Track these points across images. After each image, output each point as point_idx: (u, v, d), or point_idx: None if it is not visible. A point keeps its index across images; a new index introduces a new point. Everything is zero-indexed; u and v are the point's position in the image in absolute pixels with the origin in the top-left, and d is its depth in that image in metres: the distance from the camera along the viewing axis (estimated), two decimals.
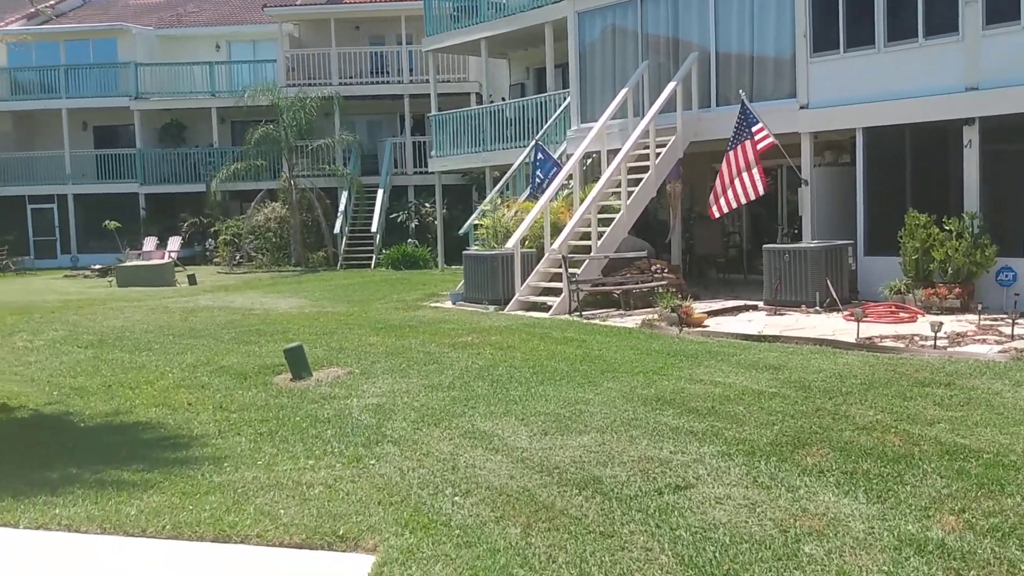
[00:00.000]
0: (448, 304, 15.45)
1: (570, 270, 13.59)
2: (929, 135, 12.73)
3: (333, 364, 9.66)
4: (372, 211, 27.93)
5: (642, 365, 8.92)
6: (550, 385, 8.13)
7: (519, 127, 20.31)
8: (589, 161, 17.08)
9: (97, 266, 26.54)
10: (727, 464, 5.59)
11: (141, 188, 31.45)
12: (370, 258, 26.89)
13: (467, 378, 8.58)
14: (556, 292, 14.00)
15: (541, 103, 19.79)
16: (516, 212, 16.41)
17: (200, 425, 7.36)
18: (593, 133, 15.53)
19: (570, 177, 15.69)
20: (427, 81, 28.93)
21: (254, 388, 8.69)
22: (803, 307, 12.35)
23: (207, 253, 29.84)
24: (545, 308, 13.83)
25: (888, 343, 9.60)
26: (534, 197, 16.32)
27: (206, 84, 31.56)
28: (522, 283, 14.38)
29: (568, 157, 17.57)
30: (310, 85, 29.06)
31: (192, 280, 22.56)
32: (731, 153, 13.57)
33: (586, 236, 14.67)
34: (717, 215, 14.00)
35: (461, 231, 18.40)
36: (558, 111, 18.59)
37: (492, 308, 14.27)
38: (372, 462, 5.96)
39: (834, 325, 11.08)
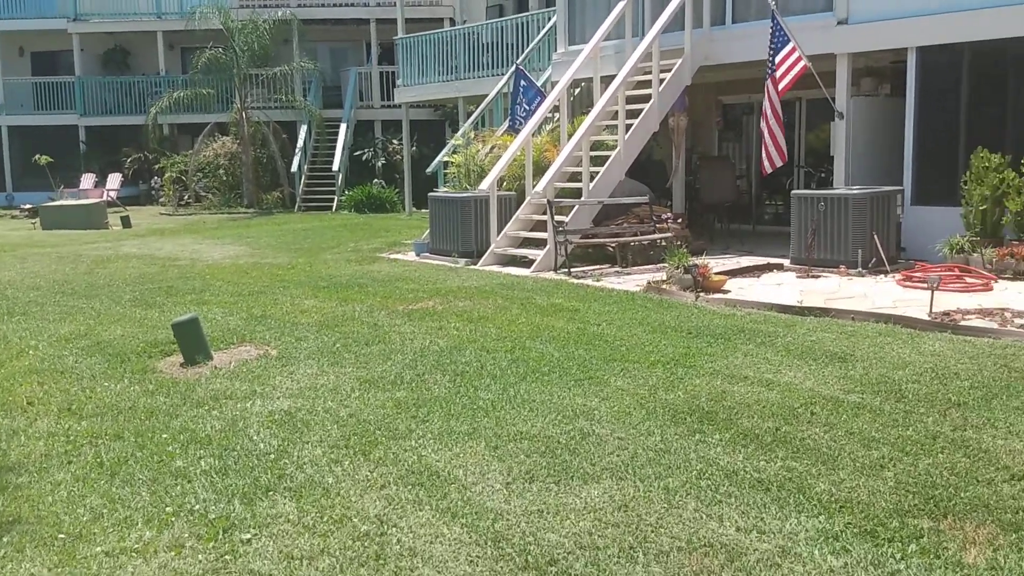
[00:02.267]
0: (411, 256, 13.08)
1: (556, 218, 11.23)
2: (1002, 56, 10.37)
3: (246, 340, 7.30)
4: (334, 148, 25.27)
5: (658, 350, 6.62)
6: (536, 382, 5.83)
7: (497, 52, 17.74)
8: (578, 90, 14.59)
9: (27, 205, 23.76)
10: (841, 561, 3.32)
11: (81, 120, 28.50)
12: (331, 200, 24.33)
13: (420, 368, 6.25)
14: (539, 244, 11.67)
15: (522, 24, 17.19)
16: (492, 148, 13.97)
17: (25, 442, 5.01)
18: (584, 56, 13.01)
19: (556, 108, 13.23)
20: (396, 5, 26.25)
21: (127, 378, 6.32)
22: (842, 268, 10.07)
23: (152, 192, 27.11)
24: (526, 263, 11.51)
25: (974, 321, 7.36)
26: (514, 131, 13.88)
27: (151, 5, 28.46)
28: (499, 232, 12.02)
29: (553, 85, 15.08)
30: (265, 7, 26.09)
31: (126, 222, 19.97)
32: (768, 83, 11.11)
33: (575, 178, 12.25)
34: (770, 169, 11.42)
35: (428, 170, 15.92)
36: (542, 33, 16.02)
37: (462, 262, 11.92)
38: (246, 539, 3.64)
39: (890, 293, 8.81)
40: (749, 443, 4.57)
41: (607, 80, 12.94)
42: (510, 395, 5.54)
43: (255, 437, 4.92)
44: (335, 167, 24.52)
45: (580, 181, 12.09)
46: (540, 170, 12.41)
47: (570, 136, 12.53)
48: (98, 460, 4.66)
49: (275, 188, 25.15)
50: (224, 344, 7.17)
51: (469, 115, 17.84)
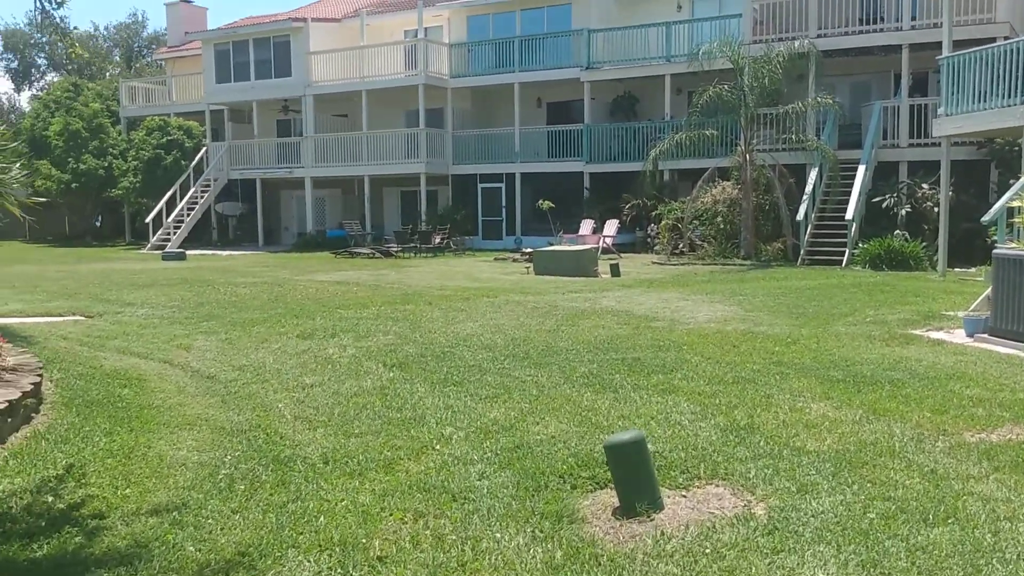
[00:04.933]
0: (959, 336, 9.46)
1: None
2: None
3: (718, 475, 4.71)
4: (848, 194, 21.77)
5: None
6: None
7: None
8: None
9: (527, 249, 24.09)
10: None
11: (586, 167, 28.66)
12: (841, 253, 20.87)
13: None
14: None
15: None
16: None
17: None
18: None
19: None
20: (933, 26, 22.06)
21: (531, 528, 4.10)
22: None
23: (648, 239, 26.04)
24: None
25: None
26: None
27: (661, 49, 27.68)
28: None
29: None
30: (781, 40, 23.59)
31: (615, 270, 18.77)
32: None
33: None
34: None
35: (986, 218, 11.93)
36: None
37: None
38: None
39: None
40: None
41: None
42: None
43: None
44: (848, 215, 21.02)
45: None
46: None
47: None
48: None
49: (777, 238, 22.41)
50: (684, 477, 4.67)
51: None
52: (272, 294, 14.34)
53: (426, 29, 31.41)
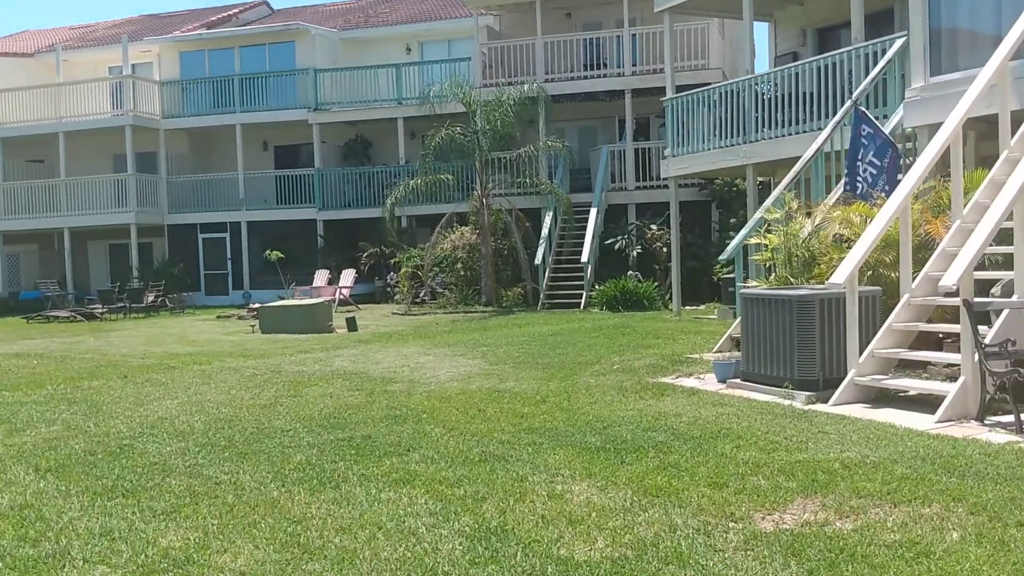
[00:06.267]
0: (711, 382, 8.93)
1: (980, 331, 6.73)
2: None
3: None
4: (582, 237, 21.79)
5: None
6: None
7: (802, 106, 13.53)
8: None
9: (255, 305, 21.99)
10: None
11: (319, 214, 27.02)
12: (578, 296, 20.73)
13: None
14: (920, 367, 7.22)
15: (835, 64, 12.87)
16: (819, 223, 9.68)
17: None
18: (981, 83, 8.48)
19: (941, 164, 8.73)
20: (653, 72, 22.81)
21: None
22: None
23: (388, 289, 24.80)
24: (910, 401, 7.09)
25: None
26: (857, 197, 9.56)
27: (392, 91, 26.77)
28: (861, 351, 7.66)
29: (904, 134, 10.73)
30: (510, 83, 23.38)
31: (351, 324, 17.29)
32: None
33: (988, 264, 7.71)
34: None
35: (723, 256, 11.72)
36: (877, 69, 11.63)
37: (801, 397, 7.65)
38: None
39: None
40: None
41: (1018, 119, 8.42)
42: None
43: None
44: (584, 257, 20.96)
45: (997, 268, 7.53)
46: (917, 254, 8.00)
47: (966, 200, 8.03)
48: None
49: (516, 283, 21.97)
50: None
51: (764, 185, 13.67)
52: None
53: (133, 66, 28.59)
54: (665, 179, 18.13)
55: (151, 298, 24.18)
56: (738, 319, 10.95)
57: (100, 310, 22.87)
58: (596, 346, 12.55)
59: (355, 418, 7.68)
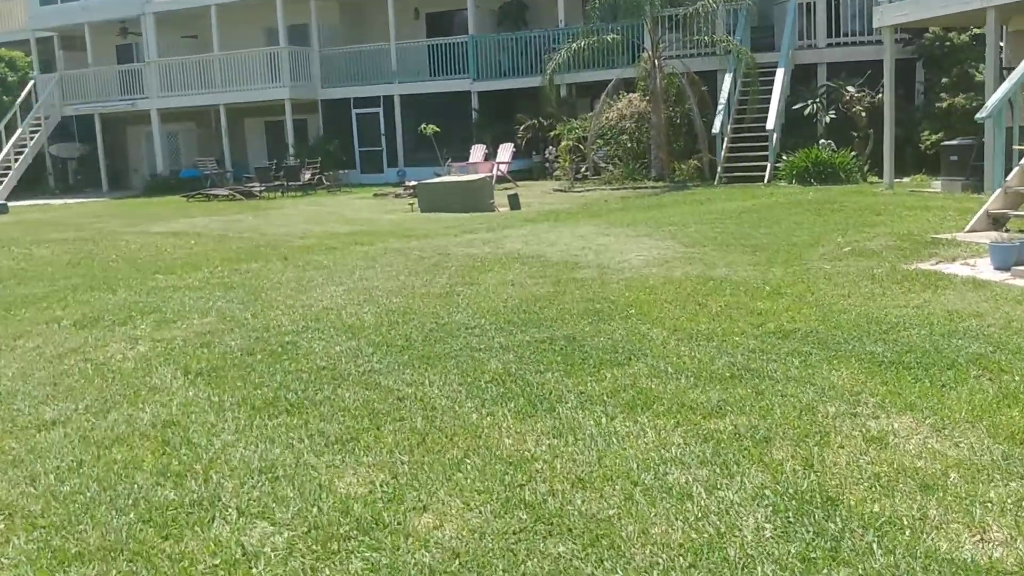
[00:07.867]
0: (985, 269, 7.10)
1: None
2: None
3: None
4: (766, 102, 19.45)
5: None
6: None
7: None
8: None
9: (412, 183, 21.01)
10: None
11: (473, 85, 25.52)
12: (762, 168, 18.61)
13: None
14: None
15: None
16: None
17: None
18: None
19: None
20: None
21: None
22: None
23: (547, 164, 23.29)
24: None
25: None
26: None
27: None
28: None
29: None
30: None
31: (514, 202, 16.00)
32: None
33: None
34: None
35: (982, 115, 9.52)
36: None
37: None
38: None
39: None
40: None
41: None
42: None
43: None
44: (769, 125, 18.70)
45: None
46: None
47: None
48: None
49: (690, 155, 19.99)
50: None
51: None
52: (78, 256, 11.06)
53: None
54: (874, 31, 15.57)
55: (307, 176, 23.63)
56: (997, 191, 8.93)
57: (258, 188, 22.48)
58: (806, 224, 10.73)
59: (548, 313, 6.35)
